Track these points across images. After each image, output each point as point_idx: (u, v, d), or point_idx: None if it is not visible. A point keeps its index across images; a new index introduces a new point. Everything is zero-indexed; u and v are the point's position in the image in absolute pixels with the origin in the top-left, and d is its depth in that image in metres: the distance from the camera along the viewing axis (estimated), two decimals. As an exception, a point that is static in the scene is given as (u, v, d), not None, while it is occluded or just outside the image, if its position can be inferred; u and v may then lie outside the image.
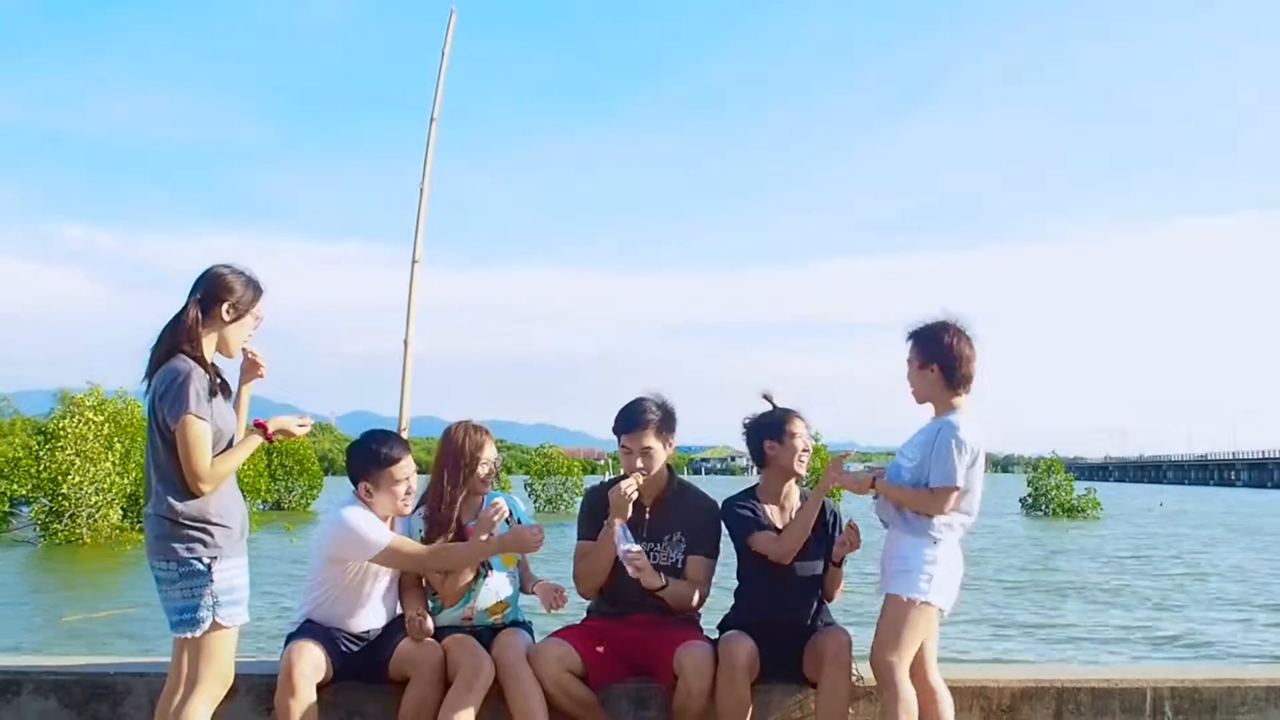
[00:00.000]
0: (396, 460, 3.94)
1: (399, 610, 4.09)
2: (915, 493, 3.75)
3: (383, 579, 4.00)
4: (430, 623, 3.90)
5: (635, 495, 3.95)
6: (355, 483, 3.97)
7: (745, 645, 3.83)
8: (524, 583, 4.19)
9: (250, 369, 3.78)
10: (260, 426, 3.63)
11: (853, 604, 4.20)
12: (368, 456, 3.95)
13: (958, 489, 3.70)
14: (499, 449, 4.22)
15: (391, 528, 3.96)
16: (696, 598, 4.10)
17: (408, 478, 3.97)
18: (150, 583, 3.58)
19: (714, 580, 4.21)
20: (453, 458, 4.05)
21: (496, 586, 4.08)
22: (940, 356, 3.79)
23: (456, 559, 3.95)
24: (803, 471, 4.14)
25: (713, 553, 4.15)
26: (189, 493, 3.46)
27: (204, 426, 3.44)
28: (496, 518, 3.93)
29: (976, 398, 3.86)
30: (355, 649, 3.94)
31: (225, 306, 3.57)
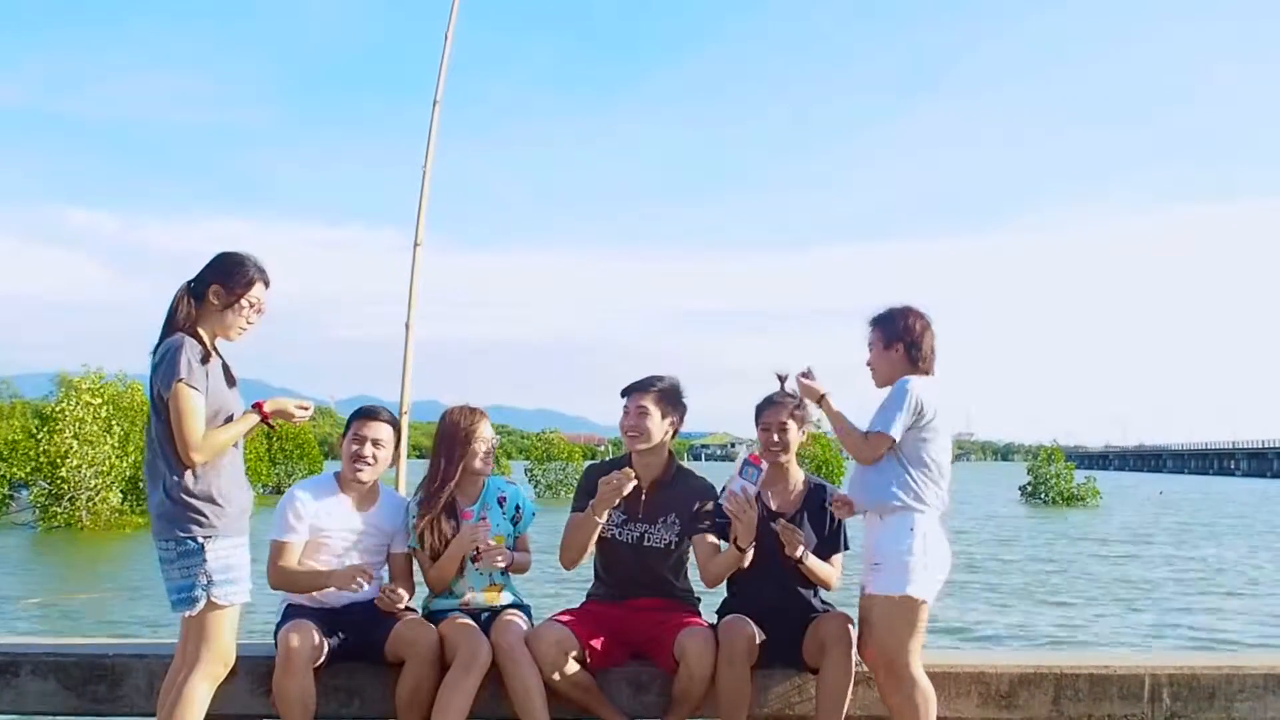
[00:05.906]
0: (373, 417, 4.05)
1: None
2: (851, 432, 3.82)
3: (352, 556, 3.95)
4: (402, 597, 3.90)
5: (627, 490, 3.90)
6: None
7: (746, 630, 3.83)
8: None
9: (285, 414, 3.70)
10: (257, 407, 3.62)
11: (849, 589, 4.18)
12: (357, 412, 4.14)
13: (892, 440, 3.73)
14: (500, 434, 4.21)
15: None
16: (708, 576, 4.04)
17: (371, 439, 4.00)
18: (144, 567, 3.60)
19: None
20: (448, 439, 4.08)
21: (487, 570, 4.07)
22: (903, 336, 3.88)
23: (321, 584, 3.90)
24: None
25: (712, 529, 4.08)
26: (187, 470, 3.45)
27: (196, 395, 3.43)
28: (473, 543, 3.93)
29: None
30: (348, 629, 3.91)
31: (215, 289, 3.57)
